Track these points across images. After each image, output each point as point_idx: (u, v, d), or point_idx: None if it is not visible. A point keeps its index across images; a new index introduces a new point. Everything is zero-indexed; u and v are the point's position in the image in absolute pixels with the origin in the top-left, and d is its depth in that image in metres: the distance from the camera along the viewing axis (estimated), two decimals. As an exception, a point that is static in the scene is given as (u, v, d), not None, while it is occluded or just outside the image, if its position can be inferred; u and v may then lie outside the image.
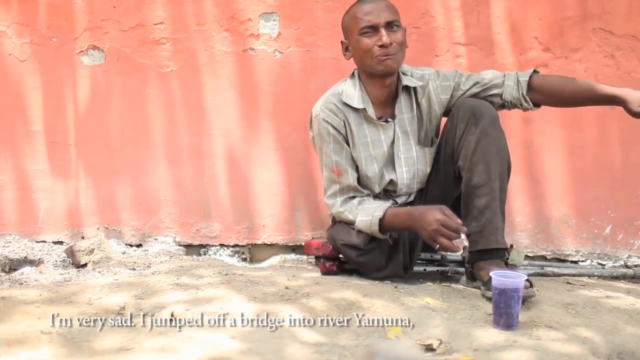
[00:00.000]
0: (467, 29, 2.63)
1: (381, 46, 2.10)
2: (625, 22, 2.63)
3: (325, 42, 2.63)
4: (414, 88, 2.24)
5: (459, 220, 1.93)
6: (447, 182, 2.21)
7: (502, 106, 2.23)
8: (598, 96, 2.13)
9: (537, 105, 2.22)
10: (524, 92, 2.18)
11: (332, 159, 2.19)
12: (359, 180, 2.22)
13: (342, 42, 2.24)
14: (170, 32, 2.64)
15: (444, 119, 2.28)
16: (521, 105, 2.20)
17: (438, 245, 1.93)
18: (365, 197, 2.20)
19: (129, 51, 2.65)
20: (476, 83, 2.23)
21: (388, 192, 2.26)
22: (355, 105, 2.18)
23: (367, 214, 2.11)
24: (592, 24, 2.63)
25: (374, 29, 2.11)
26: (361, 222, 2.11)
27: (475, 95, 2.22)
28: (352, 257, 2.19)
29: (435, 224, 1.92)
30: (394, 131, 2.22)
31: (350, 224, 2.16)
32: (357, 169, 2.21)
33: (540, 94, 2.19)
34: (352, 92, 2.20)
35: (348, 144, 2.20)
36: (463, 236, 2.01)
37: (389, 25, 2.12)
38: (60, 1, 2.64)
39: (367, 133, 2.20)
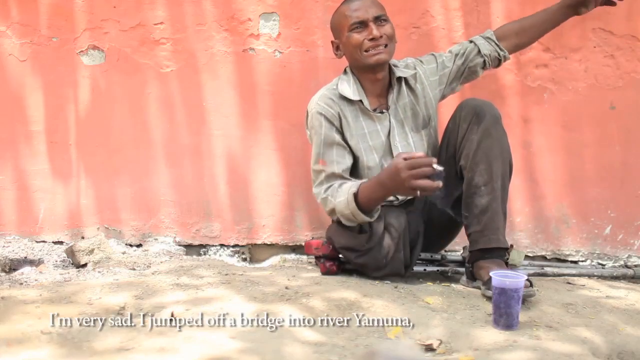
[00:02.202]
0: (467, 29, 2.63)
1: (372, 39, 2.14)
2: (625, 22, 2.63)
3: (325, 42, 2.62)
4: (405, 77, 2.28)
5: (421, 154, 1.87)
6: (448, 181, 2.19)
7: (484, 65, 2.34)
8: (556, 14, 2.32)
9: (510, 52, 2.35)
10: (497, 42, 2.32)
11: (321, 150, 2.20)
12: (359, 172, 2.22)
13: (332, 42, 2.28)
14: (170, 32, 2.64)
15: (444, 115, 2.28)
16: (498, 55, 2.32)
17: (419, 192, 1.84)
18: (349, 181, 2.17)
19: (129, 51, 2.65)
20: (456, 56, 2.34)
21: None
22: (351, 98, 2.21)
23: (343, 193, 2.09)
24: (592, 24, 2.63)
25: (363, 24, 2.15)
26: (340, 204, 2.09)
27: (462, 66, 2.33)
28: (351, 258, 2.20)
29: (403, 172, 1.83)
30: (390, 122, 2.25)
31: (334, 212, 2.13)
32: (350, 159, 2.20)
33: (509, 39, 2.35)
34: (347, 86, 2.24)
35: (343, 135, 2.21)
36: (436, 166, 1.85)
37: (377, 20, 2.17)
38: (60, 1, 2.64)
39: (364, 125, 2.23)
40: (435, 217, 2.25)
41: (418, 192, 1.84)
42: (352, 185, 2.09)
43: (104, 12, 2.63)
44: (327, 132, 2.19)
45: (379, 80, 2.24)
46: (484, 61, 2.32)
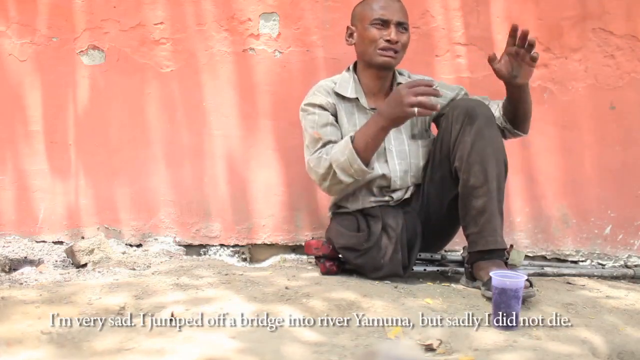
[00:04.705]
0: (467, 29, 2.63)
1: (388, 41, 2.18)
2: (625, 22, 2.63)
3: (325, 42, 2.63)
4: None
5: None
6: (443, 182, 2.21)
7: None
8: (507, 95, 2.15)
9: (513, 125, 2.20)
10: (502, 112, 2.21)
11: (316, 126, 2.19)
12: None
13: (348, 27, 2.30)
14: (170, 32, 2.64)
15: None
16: (500, 125, 2.20)
17: (417, 110, 1.92)
18: None
19: (129, 51, 2.65)
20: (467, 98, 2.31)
21: (382, 188, 2.26)
22: (348, 95, 2.25)
23: (340, 144, 2.11)
24: (592, 24, 2.63)
25: (385, 23, 2.19)
26: (336, 153, 2.09)
27: None
28: (350, 258, 2.20)
29: (404, 90, 1.95)
30: None
31: (329, 168, 2.11)
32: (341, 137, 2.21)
33: (507, 112, 2.19)
34: (346, 83, 2.27)
35: (336, 120, 2.23)
36: (436, 84, 1.98)
37: (400, 25, 2.21)
38: (60, 1, 2.63)
39: (357, 122, 2.24)
40: (433, 217, 2.25)
41: (416, 110, 1.92)
42: (349, 135, 2.10)
43: (104, 12, 2.63)
44: (321, 113, 2.21)
45: (379, 78, 2.27)
46: None
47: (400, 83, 2.29)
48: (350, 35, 2.29)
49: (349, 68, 2.33)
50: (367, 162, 2.07)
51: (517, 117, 2.19)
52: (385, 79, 2.28)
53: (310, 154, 2.20)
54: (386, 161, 2.24)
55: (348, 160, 2.07)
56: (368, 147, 2.06)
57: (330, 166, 2.11)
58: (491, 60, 2.06)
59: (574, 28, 2.63)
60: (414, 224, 2.22)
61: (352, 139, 2.07)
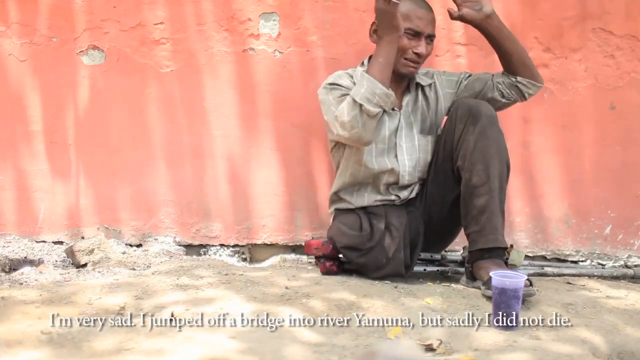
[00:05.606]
0: (467, 29, 2.62)
1: (417, 54, 2.17)
2: (625, 22, 2.63)
3: (325, 42, 2.63)
4: (422, 85, 2.31)
5: None
6: (446, 181, 2.22)
7: (502, 94, 2.28)
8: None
9: (523, 75, 2.26)
10: (503, 72, 2.28)
11: (342, 92, 2.13)
12: (359, 158, 2.21)
13: (374, 22, 2.19)
14: (170, 32, 2.64)
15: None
16: (511, 81, 2.26)
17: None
18: None
19: (129, 51, 2.64)
20: (473, 77, 2.34)
21: (389, 185, 2.26)
22: None
23: (356, 83, 2.10)
24: (592, 24, 2.63)
25: (417, 35, 2.16)
26: (355, 90, 2.04)
27: (475, 85, 2.30)
28: (352, 258, 2.20)
29: None
30: (399, 120, 2.25)
31: (352, 111, 2.02)
32: None
33: (504, 62, 2.28)
34: None
35: None
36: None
37: (429, 38, 2.19)
38: (60, 1, 2.63)
39: None
40: (436, 217, 2.26)
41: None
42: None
43: (104, 12, 2.63)
44: (344, 87, 2.15)
45: (395, 82, 2.20)
46: (498, 88, 2.27)
47: (418, 83, 2.28)
48: (375, 32, 2.18)
49: (362, 62, 2.26)
50: (386, 86, 2.05)
51: (512, 61, 2.24)
52: (400, 80, 2.25)
53: (334, 113, 2.10)
54: (396, 156, 2.24)
55: (370, 88, 2.02)
56: (382, 68, 2.06)
57: (354, 102, 2.02)
58: (452, 15, 2.19)
59: (574, 28, 2.63)
60: (417, 224, 2.22)
61: (366, 71, 2.08)
